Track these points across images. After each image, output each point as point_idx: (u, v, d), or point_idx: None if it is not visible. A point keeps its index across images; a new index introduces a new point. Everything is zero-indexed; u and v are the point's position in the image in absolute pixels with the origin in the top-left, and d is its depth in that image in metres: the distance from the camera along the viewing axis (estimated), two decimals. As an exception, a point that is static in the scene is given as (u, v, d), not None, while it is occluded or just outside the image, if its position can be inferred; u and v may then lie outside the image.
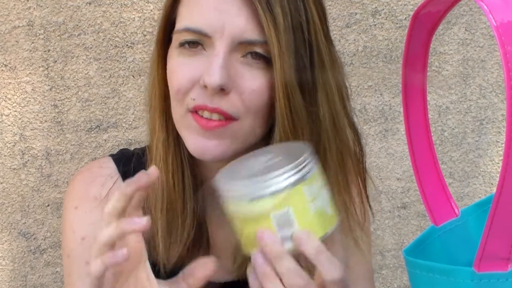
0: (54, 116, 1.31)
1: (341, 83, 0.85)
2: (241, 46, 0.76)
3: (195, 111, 0.78)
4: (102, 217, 0.88)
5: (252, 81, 0.77)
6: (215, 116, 0.78)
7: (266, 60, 0.77)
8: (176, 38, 0.80)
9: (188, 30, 0.77)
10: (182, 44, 0.78)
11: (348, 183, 0.87)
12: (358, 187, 0.92)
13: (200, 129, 0.78)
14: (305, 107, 0.78)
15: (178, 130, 0.82)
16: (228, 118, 0.78)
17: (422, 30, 0.59)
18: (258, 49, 0.77)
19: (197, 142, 0.79)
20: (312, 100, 0.79)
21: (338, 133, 0.83)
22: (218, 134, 0.78)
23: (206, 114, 0.78)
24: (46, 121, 1.31)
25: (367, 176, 0.93)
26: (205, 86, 0.76)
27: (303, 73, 0.78)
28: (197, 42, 0.78)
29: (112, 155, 0.94)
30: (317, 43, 0.80)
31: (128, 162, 0.91)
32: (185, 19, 0.78)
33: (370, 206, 0.95)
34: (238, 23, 0.75)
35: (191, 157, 0.85)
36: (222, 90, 0.76)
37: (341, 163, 0.85)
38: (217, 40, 0.76)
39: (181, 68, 0.79)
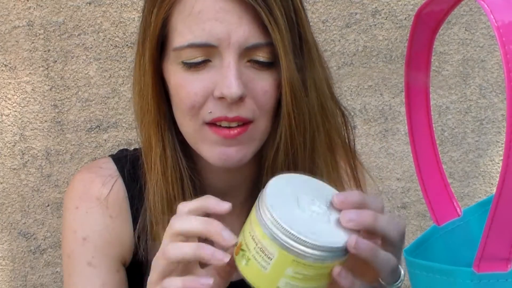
0: (54, 116, 1.31)
1: (324, 66, 0.86)
2: (247, 51, 0.77)
3: (212, 123, 0.79)
4: (104, 218, 0.88)
5: (263, 83, 0.79)
6: (234, 124, 0.78)
7: (269, 61, 0.78)
8: (177, 55, 0.79)
9: (192, 45, 0.77)
10: (190, 66, 0.78)
11: (336, 164, 0.88)
12: (347, 167, 0.92)
13: (220, 139, 0.79)
14: (306, 101, 0.80)
15: (193, 143, 0.83)
16: (246, 122, 0.79)
17: (425, 29, 0.59)
18: (262, 53, 0.78)
19: (217, 152, 0.80)
20: (305, 90, 0.80)
21: (327, 117, 0.85)
22: (238, 140, 0.79)
23: (224, 123, 0.78)
24: (46, 121, 1.31)
25: (357, 158, 0.94)
26: (221, 98, 0.77)
27: (299, 68, 0.79)
28: (206, 61, 0.78)
29: (111, 156, 0.94)
30: (305, 32, 0.81)
31: (128, 163, 0.92)
32: (185, 34, 0.78)
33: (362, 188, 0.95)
34: (243, 30, 0.76)
35: (189, 166, 0.85)
36: (239, 99, 0.77)
37: (330, 145, 0.87)
38: (224, 50, 0.76)
39: (191, 83, 0.78)
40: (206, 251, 0.65)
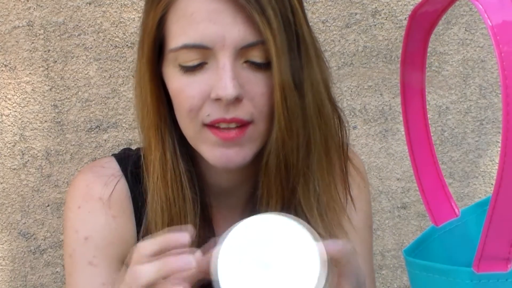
0: (54, 116, 1.31)
1: (324, 68, 0.86)
2: (243, 51, 0.77)
3: (211, 124, 0.79)
4: (106, 218, 0.88)
5: (260, 85, 0.78)
6: (232, 125, 0.78)
7: (266, 62, 0.78)
8: (174, 57, 0.79)
9: (186, 46, 0.77)
10: (186, 69, 0.78)
11: (332, 168, 0.88)
12: (341, 172, 0.92)
13: (220, 140, 0.79)
14: (300, 105, 0.79)
15: (194, 145, 0.83)
16: (244, 124, 0.78)
17: (420, 29, 0.60)
18: (258, 53, 0.77)
19: (218, 154, 0.80)
20: (301, 91, 0.80)
21: (323, 120, 0.84)
22: (237, 142, 0.79)
23: (223, 125, 0.78)
24: (46, 121, 1.31)
25: (349, 162, 0.93)
26: (218, 100, 0.77)
27: (295, 69, 0.78)
28: (202, 63, 0.77)
29: (114, 155, 0.94)
30: (302, 32, 0.80)
31: (131, 162, 0.92)
32: (179, 36, 0.78)
33: (350, 193, 0.94)
34: (237, 30, 0.76)
35: (189, 169, 0.86)
36: (236, 100, 0.77)
37: (326, 148, 0.86)
38: (219, 52, 0.76)
39: (188, 87, 0.79)
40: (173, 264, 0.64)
